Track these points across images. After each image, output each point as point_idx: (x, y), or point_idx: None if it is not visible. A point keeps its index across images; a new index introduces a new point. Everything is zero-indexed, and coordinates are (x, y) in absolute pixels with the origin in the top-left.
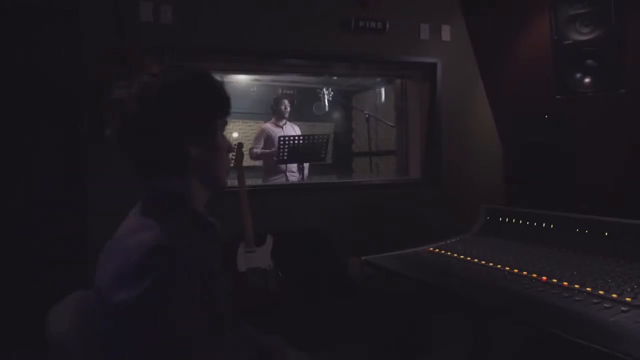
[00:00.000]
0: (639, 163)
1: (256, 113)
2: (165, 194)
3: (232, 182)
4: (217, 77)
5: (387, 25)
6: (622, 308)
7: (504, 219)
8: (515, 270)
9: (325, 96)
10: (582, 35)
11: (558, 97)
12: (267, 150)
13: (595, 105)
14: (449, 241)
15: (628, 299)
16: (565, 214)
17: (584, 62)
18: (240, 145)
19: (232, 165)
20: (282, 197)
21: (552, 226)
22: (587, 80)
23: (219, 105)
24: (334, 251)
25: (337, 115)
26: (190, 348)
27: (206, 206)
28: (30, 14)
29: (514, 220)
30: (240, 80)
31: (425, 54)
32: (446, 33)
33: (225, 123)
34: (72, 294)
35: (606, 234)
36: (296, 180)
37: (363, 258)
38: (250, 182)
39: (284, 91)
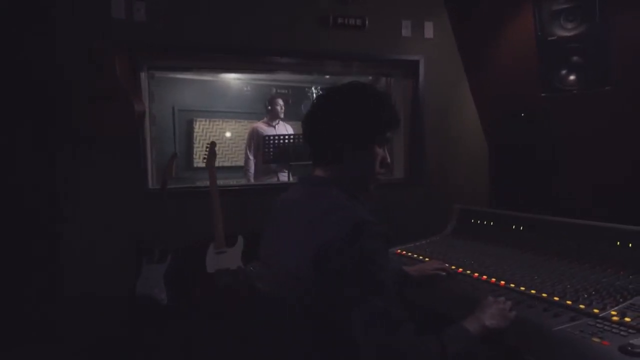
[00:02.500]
0: (625, 161)
1: (249, 113)
2: (348, 180)
3: (203, 182)
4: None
5: (367, 22)
6: (572, 315)
7: (476, 220)
8: (476, 274)
9: (314, 95)
10: (566, 30)
11: (543, 95)
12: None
13: (581, 103)
14: (419, 243)
15: (581, 307)
16: (536, 216)
17: (569, 58)
18: (212, 144)
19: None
20: (262, 197)
21: (521, 228)
22: (572, 77)
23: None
24: None
25: None
26: (392, 296)
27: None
28: (4, 12)
29: (485, 222)
30: (234, 79)
31: (407, 51)
32: (429, 30)
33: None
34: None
35: (575, 236)
36: (285, 180)
37: None
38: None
39: (278, 90)
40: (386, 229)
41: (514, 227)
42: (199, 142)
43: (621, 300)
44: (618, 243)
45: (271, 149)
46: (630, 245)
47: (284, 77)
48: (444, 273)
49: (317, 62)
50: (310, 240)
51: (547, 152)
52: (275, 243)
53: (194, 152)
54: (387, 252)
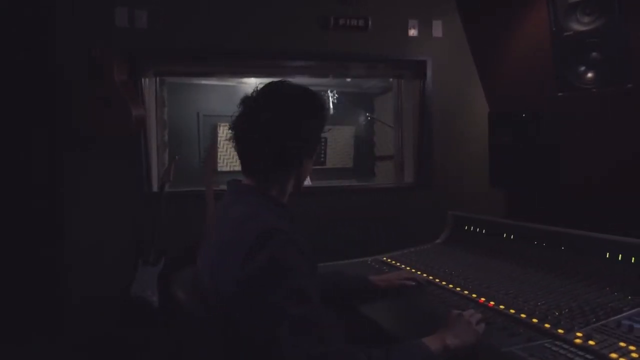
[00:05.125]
0: None
1: None
2: (273, 192)
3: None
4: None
5: (370, 23)
6: (531, 335)
7: (469, 228)
8: (450, 286)
9: (330, 99)
10: (583, 25)
11: (560, 94)
12: None
13: (600, 102)
14: (406, 251)
15: (547, 326)
16: (528, 225)
17: (586, 55)
18: (211, 147)
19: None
20: None
21: (512, 237)
22: (590, 74)
23: None
24: None
25: (361, 118)
26: (316, 305)
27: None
28: (4, 14)
29: (478, 230)
30: (257, 85)
31: (414, 52)
32: (437, 29)
33: None
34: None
35: (562, 248)
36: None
37: None
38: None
39: None
40: (301, 239)
41: (504, 235)
42: (223, 147)
43: (594, 320)
44: (607, 255)
45: None
46: (620, 258)
47: (305, 81)
48: (413, 283)
49: (318, 63)
50: (226, 253)
51: (562, 154)
52: (203, 252)
53: (218, 157)
54: (306, 260)
